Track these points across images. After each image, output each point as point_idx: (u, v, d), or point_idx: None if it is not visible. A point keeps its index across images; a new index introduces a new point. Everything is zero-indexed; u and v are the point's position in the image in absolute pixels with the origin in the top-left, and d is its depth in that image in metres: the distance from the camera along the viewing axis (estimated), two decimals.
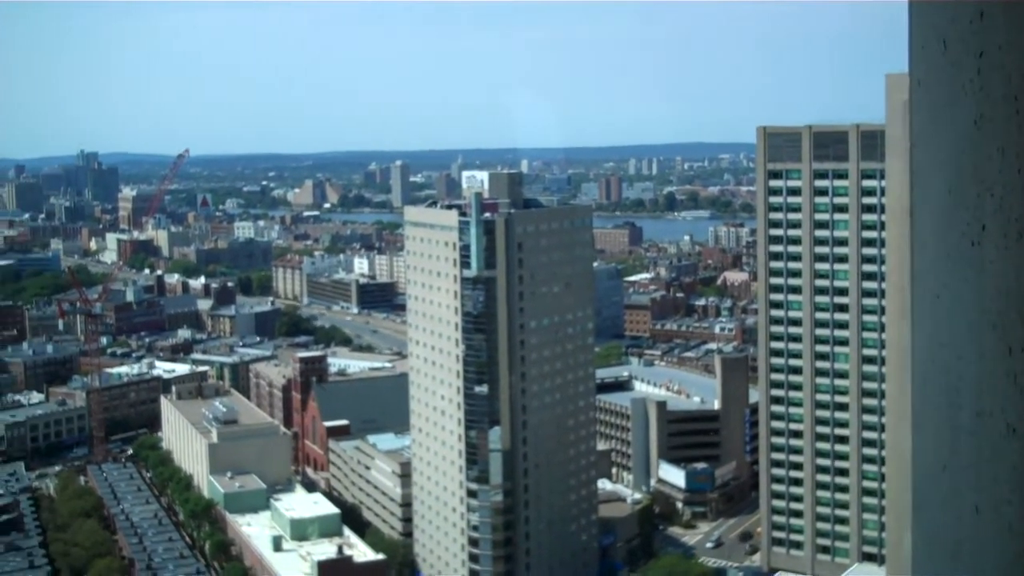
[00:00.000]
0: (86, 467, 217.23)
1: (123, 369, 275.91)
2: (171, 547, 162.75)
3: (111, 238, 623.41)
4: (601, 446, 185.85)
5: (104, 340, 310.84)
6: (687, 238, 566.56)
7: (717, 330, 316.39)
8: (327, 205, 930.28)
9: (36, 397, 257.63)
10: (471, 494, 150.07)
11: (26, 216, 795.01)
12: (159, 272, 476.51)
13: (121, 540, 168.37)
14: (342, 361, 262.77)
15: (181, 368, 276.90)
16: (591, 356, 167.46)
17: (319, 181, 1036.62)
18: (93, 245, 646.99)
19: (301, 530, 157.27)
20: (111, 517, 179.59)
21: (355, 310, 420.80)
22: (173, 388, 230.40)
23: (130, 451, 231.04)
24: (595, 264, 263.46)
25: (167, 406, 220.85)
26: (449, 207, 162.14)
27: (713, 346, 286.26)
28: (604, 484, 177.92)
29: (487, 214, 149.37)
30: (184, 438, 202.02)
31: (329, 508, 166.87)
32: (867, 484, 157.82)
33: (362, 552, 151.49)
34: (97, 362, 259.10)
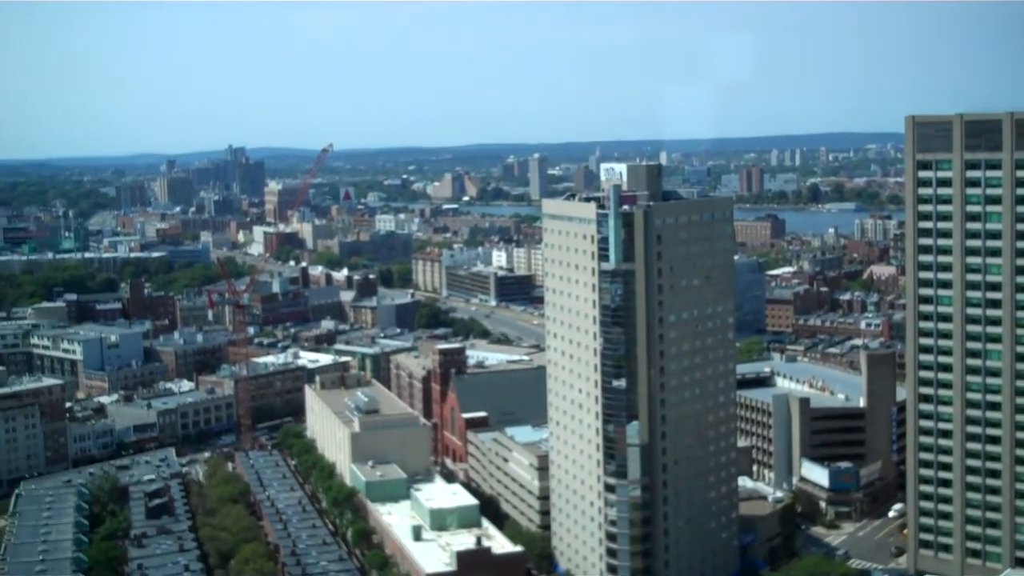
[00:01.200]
0: (233, 454, 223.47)
1: (269, 359, 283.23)
2: (315, 534, 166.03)
3: (258, 231, 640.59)
4: (742, 443, 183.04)
5: (251, 330, 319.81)
6: (831, 231, 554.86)
7: (863, 325, 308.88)
8: (466, 198, 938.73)
9: (186, 385, 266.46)
10: (609, 488, 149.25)
11: (177, 209, 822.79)
12: (303, 264, 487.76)
13: (267, 526, 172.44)
14: (480, 353, 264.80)
15: (324, 358, 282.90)
16: (732, 351, 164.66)
17: (458, 174, 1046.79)
18: (241, 237, 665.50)
19: (441, 520, 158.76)
20: (257, 503, 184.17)
21: (493, 302, 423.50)
22: (317, 378, 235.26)
23: (275, 439, 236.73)
24: (736, 257, 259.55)
25: (311, 395, 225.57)
26: (587, 200, 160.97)
27: (858, 342, 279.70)
28: (745, 481, 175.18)
29: (625, 206, 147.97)
30: (327, 427, 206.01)
31: (468, 499, 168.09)
32: (1020, 487, 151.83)
33: (500, 544, 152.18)
34: (244, 351, 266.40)
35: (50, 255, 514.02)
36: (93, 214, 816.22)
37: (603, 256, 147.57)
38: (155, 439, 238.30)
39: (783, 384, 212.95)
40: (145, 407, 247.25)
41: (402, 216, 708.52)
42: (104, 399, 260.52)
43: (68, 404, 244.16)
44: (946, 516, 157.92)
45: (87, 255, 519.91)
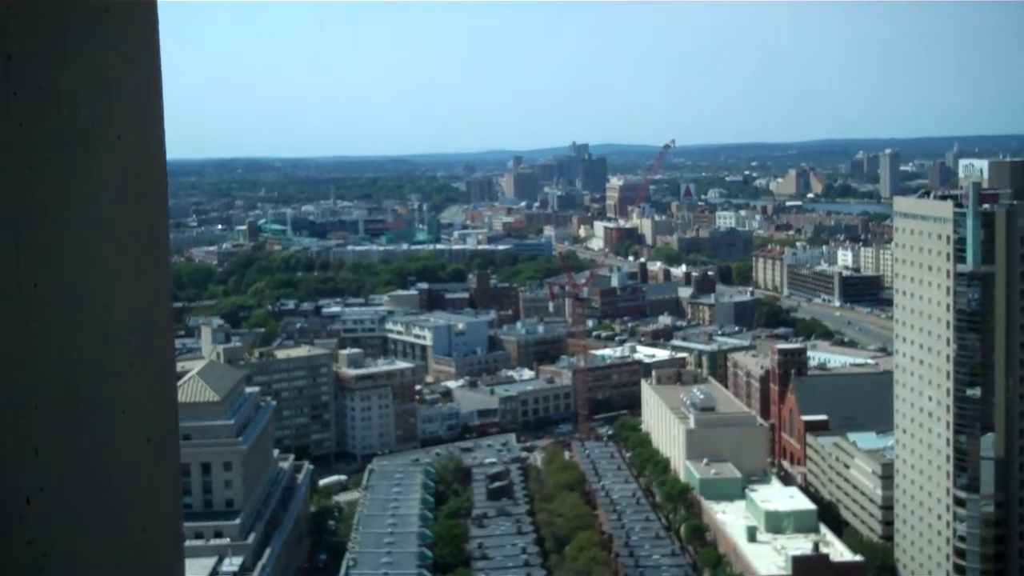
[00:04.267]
0: (570, 442, 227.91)
1: (606, 351, 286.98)
2: (648, 527, 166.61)
3: (598, 226, 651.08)
4: None
5: (590, 323, 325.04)
6: None
7: None
8: (810, 195, 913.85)
9: (527, 374, 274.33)
10: (959, 502, 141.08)
11: (522, 204, 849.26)
12: (642, 259, 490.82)
13: (601, 515, 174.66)
14: (822, 355, 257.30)
15: (661, 353, 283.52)
16: None
17: (803, 170, 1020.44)
18: (582, 232, 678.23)
19: (776, 523, 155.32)
20: (592, 492, 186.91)
21: (837, 303, 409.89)
22: (653, 372, 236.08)
23: (610, 431, 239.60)
24: None
25: (647, 389, 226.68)
26: (943, 197, 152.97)
27: None
28: None
29: (986, 205, 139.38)
30: (662, 422, 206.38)
31: (805, 503, 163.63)
32: None
33: (838, 551, 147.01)
34: (583, 344, 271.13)
35: (405, 246, 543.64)
36: (445, 207, 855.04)
37: (960, 257, 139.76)
38: (497, 424, 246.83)
39: None
40: (488, 393, 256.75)
41: (743, 213, 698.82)
42: (451, 384, 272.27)
43: (418, 387, 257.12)
44: None
45: (438, 247, 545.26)
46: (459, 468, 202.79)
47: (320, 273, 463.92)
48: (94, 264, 5.20)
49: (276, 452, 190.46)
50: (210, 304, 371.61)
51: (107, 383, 5.27)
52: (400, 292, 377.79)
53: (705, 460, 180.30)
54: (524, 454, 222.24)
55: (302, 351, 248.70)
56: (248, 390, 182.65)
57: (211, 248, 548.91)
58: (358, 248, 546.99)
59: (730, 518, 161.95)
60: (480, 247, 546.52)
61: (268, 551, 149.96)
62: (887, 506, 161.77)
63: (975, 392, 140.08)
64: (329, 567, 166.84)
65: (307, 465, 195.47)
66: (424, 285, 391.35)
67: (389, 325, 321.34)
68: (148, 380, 5.57)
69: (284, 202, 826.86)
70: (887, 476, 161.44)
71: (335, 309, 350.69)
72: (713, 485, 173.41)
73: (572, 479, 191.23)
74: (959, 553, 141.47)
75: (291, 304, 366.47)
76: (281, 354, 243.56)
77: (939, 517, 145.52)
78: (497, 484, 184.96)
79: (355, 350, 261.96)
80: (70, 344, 5.05)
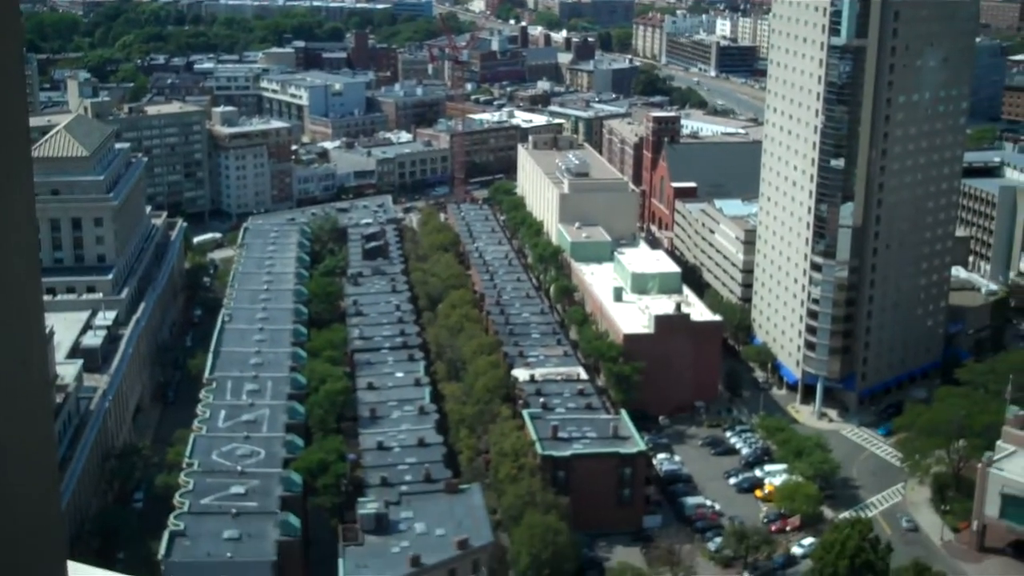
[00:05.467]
0: (446, 205, 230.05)
1: (485, 116, 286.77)
2: (519, 287, 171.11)
3: None
4: (960, 232, 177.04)
5: (469, 87, 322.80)
6: None
7: None
8: None
9: (405, 136, 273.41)
10: (815, 267, 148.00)
11: None
12: (523, 23, 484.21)
13: (474, 275, 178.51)
14: (695, 123, 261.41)
15: (538, 119, 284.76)
16: (961, 138, 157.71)
17: None
18: None
19: (642, 284, 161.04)
20: (466, 253, 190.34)
21: (713, 72, 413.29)
22: (530, 138, 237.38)
23: (486, 194, 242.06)
24: (977, 39, 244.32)
25: (523, 154, 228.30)
26: None
27: None
28: (958, 271, 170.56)
29: None
30: (537, 186, 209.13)
31: (670, 266, 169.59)
32: None
33: (699, 311, 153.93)
34: (461, 107, 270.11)
35: (280, 1, 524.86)
36: None
37: (834, 30, 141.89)
38: (373, 186, 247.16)
39: (1012, 175, 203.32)
40: (365, 155, 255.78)
41: None
42: (327, 144, 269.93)
43: (294, 147, 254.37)
44: None
45: (315, 3, 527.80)
46: (335, 228, 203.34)
47: (191, 27, 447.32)
48: None
49: (149, 209, 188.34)
50: (76, 57, 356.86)
51: None
52: (275, 49, 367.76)
53: (577, 224, 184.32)
54: (400, 215, 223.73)
55: (173, 107, 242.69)
56: (118, 146, 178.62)
57: None
58: (231, 2, 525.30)
59: (598, 279, 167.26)
60: (358, 5, 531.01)
61: (142, 306, 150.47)
62: (748, 270, 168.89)
63: (838, 163, 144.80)
64: (204, 322, 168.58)
65: (181, 222, 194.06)
66: (300, 43, 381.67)
67: (264, 83, 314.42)
68: None
69: None
70: (749, 242, 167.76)
71: (207, 65, 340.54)
72: (583, 248, 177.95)
73: (447, 240, 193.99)
74: (812, 314, 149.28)
75: (161, 59, 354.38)
76: (152, 110, 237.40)
77: (795, 281, 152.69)
78: (373, 244, 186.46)
79: (229, 108, 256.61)
80: None
